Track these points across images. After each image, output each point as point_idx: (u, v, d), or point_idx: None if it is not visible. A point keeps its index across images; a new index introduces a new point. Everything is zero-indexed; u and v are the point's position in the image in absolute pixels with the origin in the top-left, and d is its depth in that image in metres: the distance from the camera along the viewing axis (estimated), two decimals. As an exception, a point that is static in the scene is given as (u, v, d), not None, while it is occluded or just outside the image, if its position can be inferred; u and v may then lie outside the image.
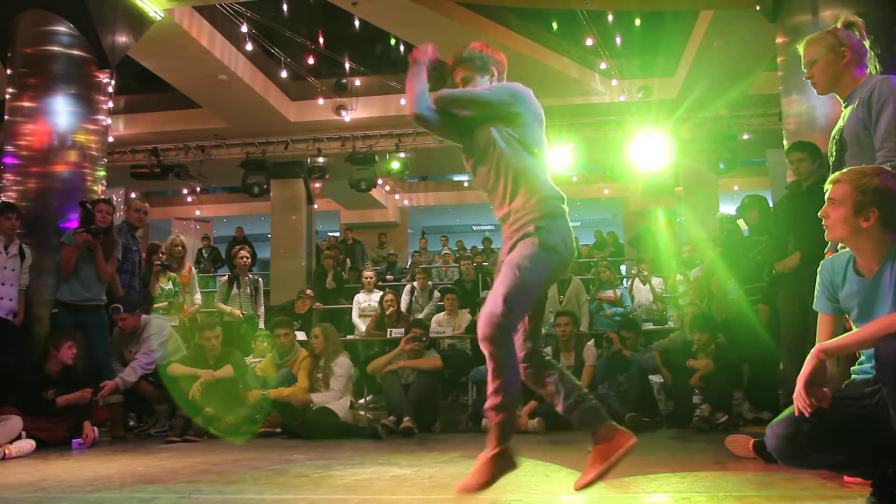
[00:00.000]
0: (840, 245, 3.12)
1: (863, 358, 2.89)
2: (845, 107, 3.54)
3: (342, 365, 6.72)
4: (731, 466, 4.24)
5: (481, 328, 3.11)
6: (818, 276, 3.06)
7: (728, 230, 7.83)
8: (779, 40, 7.89)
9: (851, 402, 2.75)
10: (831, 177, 2.96)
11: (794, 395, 2.66)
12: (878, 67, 3.60)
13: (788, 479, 3.54)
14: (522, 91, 3.50)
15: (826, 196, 2.93)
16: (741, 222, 7.77)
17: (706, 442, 5.51)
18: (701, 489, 3.52)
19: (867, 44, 3.55)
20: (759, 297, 7.10)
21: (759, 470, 4.01)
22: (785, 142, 7.34)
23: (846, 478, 3.31)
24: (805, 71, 3.57)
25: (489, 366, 3.14)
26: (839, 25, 3.58)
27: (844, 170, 2.97)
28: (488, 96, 3.48)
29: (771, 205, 7.66)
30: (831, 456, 2.77)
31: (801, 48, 3.61)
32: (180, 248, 8.37)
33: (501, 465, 3.13)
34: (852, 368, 2.97)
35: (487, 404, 3.15)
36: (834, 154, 3.54)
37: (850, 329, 2.91)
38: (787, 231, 6.06)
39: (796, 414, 2.66)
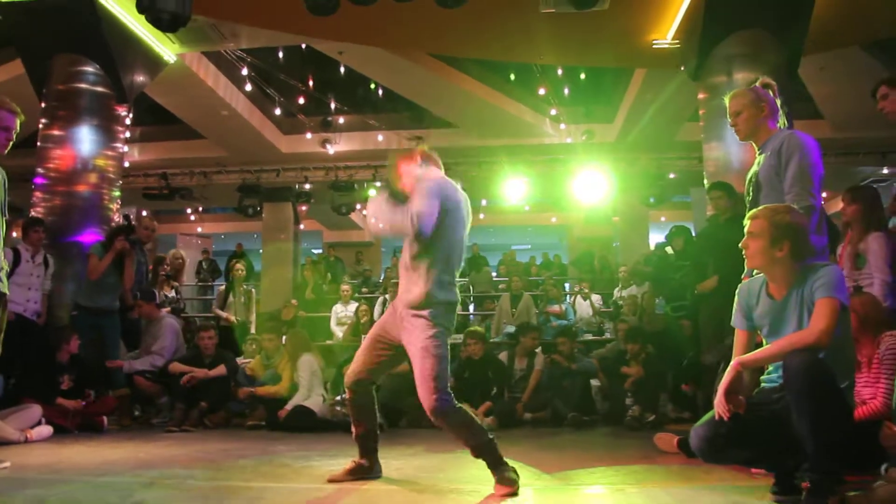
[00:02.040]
0: (755, 271, 3.14)
1: (771, 369, 2.91)
2: (759, 153, 3.58)
3: (304, 363, 6.58)
4: (658, 460, 4.26)
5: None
6: (736, 296, 3.09)
7: (658, 255, 7.90)
8: (700, 96, 8.02)
9: (761, 407, 2.78)
10: (750, 213, 2.99)
11: (716, 402, 2.68)
12: (786, 123, 3.66)
13: (706, 472, 3.57)
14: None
15: (745, 230, 2.96)
16: (668, 249, 7.85)
17: (637, 438, 5.52)
18: (633, 481, 3.53)
19: (779, 102, 3.60)
20: (683, 313, 7.18)
21: (682, 463, 4.02)
22: (706, 181, 7.45)
23: (753, 470, 3.33)
24: (730, 119, 3.60)
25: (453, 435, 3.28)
26: (758, 85, 3.62)
27: (761, 207, 3.00)
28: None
29: (694, 234, 7.74)
30: (744, 453, 2.80)
31: (727, 100, 3.64)
32: (180, 260, 8.27)
33: (514, 474, 3.20)
34: (761, 378, 2.99)
35: (472, 454, 3.25)
36: (751, 194, 3.57)
37: (762, 343, 2.93)
38: (708, 257, 6.12)
39: (716, 418, 2.67)
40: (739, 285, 3.15)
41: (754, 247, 2.91)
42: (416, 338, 3.22)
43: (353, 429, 3.53)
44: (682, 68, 8.32)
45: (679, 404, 6.99)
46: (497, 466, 3.20)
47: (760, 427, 2.71)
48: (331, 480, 3.41)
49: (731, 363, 2.73)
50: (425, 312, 3.22)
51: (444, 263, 3.30)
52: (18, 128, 3.96)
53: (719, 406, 2.66)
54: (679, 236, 7.54)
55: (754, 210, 3.01)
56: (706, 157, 7.78)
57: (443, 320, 3.25)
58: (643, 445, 4.87)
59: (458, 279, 3.43)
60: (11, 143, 3.96)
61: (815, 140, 3.47)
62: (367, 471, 3.50)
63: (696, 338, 6.66)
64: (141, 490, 3.19)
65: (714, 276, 5.88)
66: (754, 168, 3.59)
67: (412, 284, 3.30)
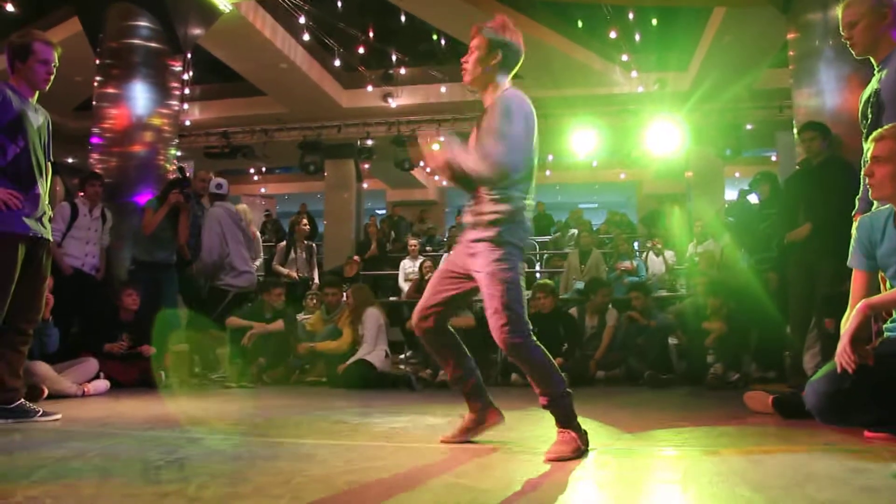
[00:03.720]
0: (873, 206, 2.70)
1: (896, 316, 2.48)
2: (879, 69, 3.09)
3: (370, 316, 6.37)
4: (750, 421, 3.87)
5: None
6: (854, 232, 2.66)
7: (741, 204, 7.39)
8: (790, 36, 7.36)
9: (889, 360, 2.35)
10: (874, 135, 2.55)
11: (838, 352, 2.26)
12: None
13: (809, 434, 3.16)
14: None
15: (869, 155, 2.52)
16: (752, 197, 7.35)
17: (720, 399, 5.18)
18: (726, 443, 3.15)
19: (904, 7, 3.10)
20: (768, 266, 6.67)
21: (778, 425, 3.64)
22: (795, 128, 6.87)
23: (868, 433, 2.92)
24: (844, 32, 3.12)
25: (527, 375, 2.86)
26: None
27: (887, 126, 2.55)
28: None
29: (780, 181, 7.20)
30: (870, 412, 2.38)
31: (840, 10, 3.16)
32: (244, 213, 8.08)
33: (583, 440, 2.76)
34: (885, 326, 2.56)
35: (542, 404, 2.83)
36: (869, 116, 3.08)
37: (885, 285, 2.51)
38: (798, 204, 5.62)
39: (838, 371, 2.26)
40: (859, 219, 2.70)
41: (881, 173, 2.46)
42: (482, 263, 2.82)
43: (446, 376, 3.16)
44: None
45: (764, 363, 6.57)
46: (568, 425, 2.79)
47: (891, 382, 2.29)
48: (443, 441, 3.05)
49: (858, 306, 2.30)
50: (489, 233, 2.80)
51: (511, 179, 2.83)
52: (57, 61, 3.77)
53: (843, 356, 2.23)
54: (765, 182, 7.00)
55: (879, 131, 2.56)
56: (797, 105, 7.14)
57: (510, 237, 2.81)
58: (729, 405, 4.50)
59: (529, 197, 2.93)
60: (52, 77, 3.79)
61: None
62: (478, 424, 3.06)
63: (782, 292, 6.21)
64: (186, 446, 2.98)
65: (805, 224, 5.40)
66: (873, 86, 3.10)
67: (477, 204, 2.88)
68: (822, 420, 2.46)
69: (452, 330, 3.14)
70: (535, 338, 2.81)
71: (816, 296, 5.16)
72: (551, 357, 2.87)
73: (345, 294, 6.94)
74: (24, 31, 3.79)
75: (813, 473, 2.33)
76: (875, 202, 2.83)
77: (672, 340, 7.05)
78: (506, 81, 3.00)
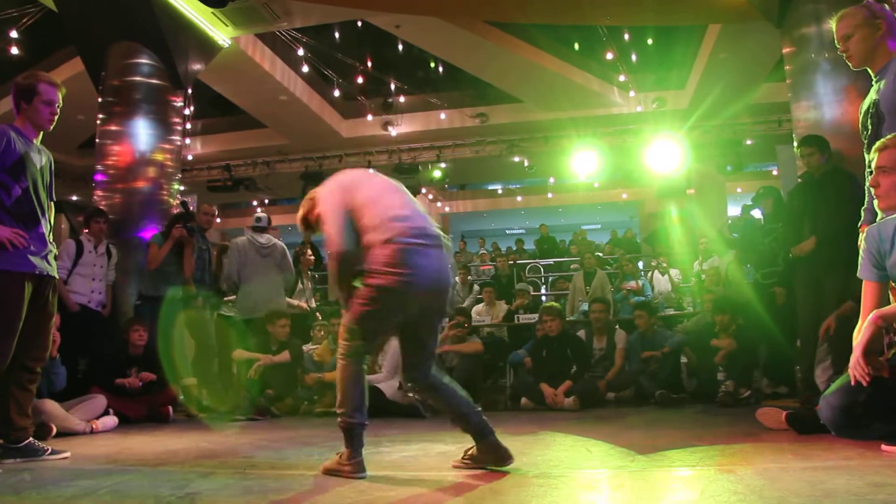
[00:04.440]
0: (879, 217, 2.68)
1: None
2: (877, 80, 3.09)
3: (393, 347, 6.34)
4: (765, 438, 3.81)
5: None
6: (863, 244, 2.64)
7: (744, 220, 7.37)
8: (786, 50, 7.40)
9: (904, 372, 2.33)
10: (877, 145, 2.54)
11: (852, 364, 2.24)
12: None
13: (825, 450, 3.10)
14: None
15: (873, 165, 2.50)
16: (755, 212, 7.33)
17: (732, 416, 5.12)
18: (741, 461, 3.09)
19: (897, 16, 3.11)
20: (774, 280, 6.64)
21: (793, 441, 3.58)
22: (795, 141, 6.88)
23: (885, 447, 2.87)
24: (839, 46, 3.12)
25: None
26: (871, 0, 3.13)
27: (890, 136, 2.54)
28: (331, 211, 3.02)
29: (783, 195, 7.18)
30: (888, 424, 2.34)
31: (833, 23, 3.17)
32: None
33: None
34: (896, 338, 2.54)
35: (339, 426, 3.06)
36: (869, 127, 3.07)
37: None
38: (802, 217, 5.61)
39: (852, 384, 2.24)
40: (867, 230, 2.68)
41: (887, 183, 2.46)
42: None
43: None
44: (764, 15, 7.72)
45: (775, 378, 6.52)
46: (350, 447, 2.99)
47: (907, 394, 2.27)
48: (454, 465, 3.08)
49: (869, 317, 2.28)
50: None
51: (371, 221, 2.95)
52: (61, 101, 3.80)
53: (857, 368, 2.21)
54: (768, 197, 6.97)
55: (883, 140, 2.56)
56: (795, 118, 7.16)
57: (380, 267, 2.86)
58: (742, 422, 4.46)
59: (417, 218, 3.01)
60: (56, 118, 3.81)
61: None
62: (480, 460, 3.02)
63: (789, 306, 6.18)
64: (197, 480, 2.96)
65: (811, 237, 5.39)
66: (871, 97, 3.09)
67: None
68: (838, 434, 2.43)
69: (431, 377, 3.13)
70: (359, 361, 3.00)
71: (825, 309, 5.13)
72: (364, 376, 3.05)
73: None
74: (29, 73, 3.81)
75: (832, 490, 2.29)
76: (879, 212, 2.82)
77: (681, 359, 7.01)
78: None
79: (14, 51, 10.16)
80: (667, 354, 6.51)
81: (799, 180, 6.13)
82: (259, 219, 7.71)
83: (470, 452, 3.05)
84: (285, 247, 7.67)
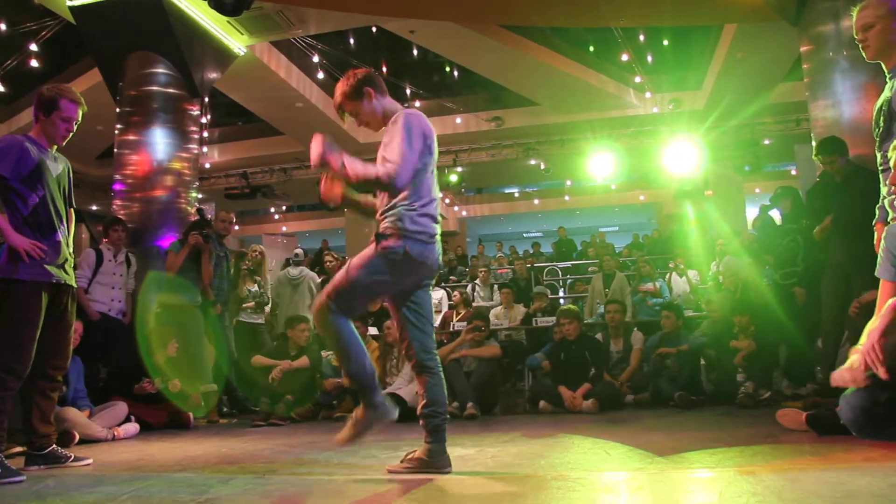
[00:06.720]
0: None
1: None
2: (891, 77, 3.05)
3: None
4: (784, 439, 3.79)
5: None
6: (883, 241, 2.61)
7: (762, 220, 7.31)
8: (803, 48, 7.36)
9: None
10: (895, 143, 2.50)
11: (864, 349, 2.19)
12: None
13: (845, 451, 3.09)
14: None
15: (891, 163, 2.47)
16: (773, 213, 7.28)
17: (752, 417, 5.07)
18: (761, 462, 3.08)
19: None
20: (794, 280, 6.58)
21: (814, 442, 3.57)
22: (813, 141, 6.82)
23: (905, 447, 2.85)
24: (857, 35, 3.07)
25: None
26: None
27: None
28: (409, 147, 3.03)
29: (801, 195, 7.13)
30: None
31: (855, 12, 3.11)
32: (257, 253, 8.14)
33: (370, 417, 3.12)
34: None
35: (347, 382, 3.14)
36: (881, 125, 3.03)
37: None
38: (824, 213, 5.56)
39: (862, 368, 2.20)
40: (887, 228, 2.66)
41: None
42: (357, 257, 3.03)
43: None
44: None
45: (794, 379, 6.46)
46: (367, 398, 3.12)
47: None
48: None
49: (888, 304, 2.23)
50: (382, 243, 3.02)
51: (413, 197, 3.04)
52: (80, 118, 3.85)
53: (870, 353, 2.16)
54: (786, 197, 6.91)
55: None
56: (813, 117, 7.11)
57: (395, 245, 3.01)
58: (763, 424, 4.42)
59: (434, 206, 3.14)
60: (72, 134, 3.86)
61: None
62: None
63: (809, 307, 6.13)
64: (217, 486, 2.98)
65: (826, 216, 5.42)
66: (886, 94, 3.05)
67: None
68: (859, 434, 2.40)
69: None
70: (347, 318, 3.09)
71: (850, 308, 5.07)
72: (358, 336, 3.16)
73: (385, 326, 7.00)
74: (54, 85, 3.83)
75: (854, 491, 2.27)
76: (891, 211, 2.78)
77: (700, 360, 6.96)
78: None
79: (34, 63, 10.30)
80: (683, 353, 6.45)
81: (818, 179, 6.08)
82: (296, 254, 9.49)
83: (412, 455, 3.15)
84: (315, 276, 8.93)
